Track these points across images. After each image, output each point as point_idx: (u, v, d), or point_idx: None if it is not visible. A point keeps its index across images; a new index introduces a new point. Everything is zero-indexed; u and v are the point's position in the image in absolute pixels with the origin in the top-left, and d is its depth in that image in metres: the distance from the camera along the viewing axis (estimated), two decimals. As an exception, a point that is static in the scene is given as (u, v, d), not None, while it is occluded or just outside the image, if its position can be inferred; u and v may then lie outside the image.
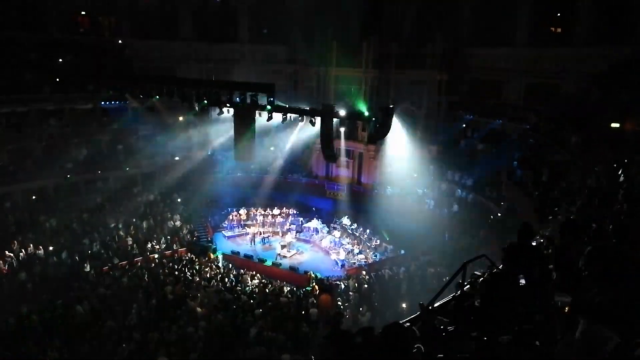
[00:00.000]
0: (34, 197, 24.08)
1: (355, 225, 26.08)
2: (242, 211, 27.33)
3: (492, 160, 24.63)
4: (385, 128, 21.67)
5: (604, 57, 19.69)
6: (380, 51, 29.11)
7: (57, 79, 25.10)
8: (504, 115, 25.57)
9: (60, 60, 25.55)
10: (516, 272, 3.94)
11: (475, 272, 5.34)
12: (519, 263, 3.94)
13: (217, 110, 22.08)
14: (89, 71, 26.42)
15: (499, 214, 21.83)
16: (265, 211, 27.42)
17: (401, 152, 27.39)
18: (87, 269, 20.21)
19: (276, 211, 27.50)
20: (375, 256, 23.00)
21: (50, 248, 21.09)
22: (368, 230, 25.39)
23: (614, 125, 15.99)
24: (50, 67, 25.27)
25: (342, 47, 29.62)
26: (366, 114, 22.00)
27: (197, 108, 22.60)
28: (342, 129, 27.59)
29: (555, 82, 23.94)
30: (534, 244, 4.91)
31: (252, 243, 25.07)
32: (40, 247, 20.87)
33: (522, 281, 3.89)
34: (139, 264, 21.78)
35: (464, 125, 28.29)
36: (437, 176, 27.10)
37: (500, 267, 4.64)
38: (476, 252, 16.03)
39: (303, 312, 17.53)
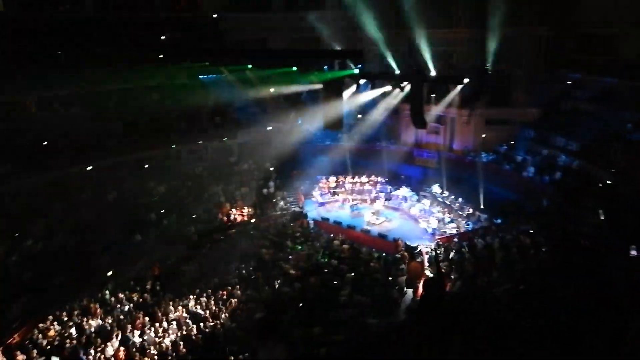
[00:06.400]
0: (146, 166, 26.37)
1: (447, 193, 25.38)
2: (331, 179, 27.81)
3: (599, 123, 22.36)
4: (480, 91, 20.55)
5: None
6: (474, 8, 27.13)
7: (160, 56, 26.89)
8: (616, 74, 22.90)
9: (162, 37, 27.26)
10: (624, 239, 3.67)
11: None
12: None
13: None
14: (187, 46, 27.93)
15: (608, 181, 19.92)
16: (353, 179, 27.65)
17: (497, 115, 25.82)
18: (192, 231, 22.11)
19: (364, 179, 27.61)
20: (468, 225, 22.32)
21: (161, 211, 23.24)
22: (460, 199, 24.60)
23: None
24: (153, 44, 27.07)
25: (430, 6, 28.02)
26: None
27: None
28: (433, 95, 26.59)
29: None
30: None
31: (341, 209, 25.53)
32: (152, 211, 23.10)
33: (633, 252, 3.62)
34: (238, 228, 23.28)
35: (569, 83, 25.81)
36: (537, 141, 25.27)
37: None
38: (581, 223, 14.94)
39: (391, 278, 17.70)
